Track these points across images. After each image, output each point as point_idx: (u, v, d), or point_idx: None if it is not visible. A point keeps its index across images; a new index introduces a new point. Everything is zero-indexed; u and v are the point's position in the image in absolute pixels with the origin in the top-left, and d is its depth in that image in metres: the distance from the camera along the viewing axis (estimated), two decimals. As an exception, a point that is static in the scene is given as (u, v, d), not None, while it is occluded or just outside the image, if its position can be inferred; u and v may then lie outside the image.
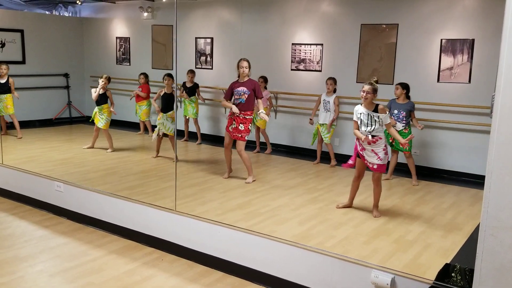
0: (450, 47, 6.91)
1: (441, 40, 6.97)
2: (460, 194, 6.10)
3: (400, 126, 6.31)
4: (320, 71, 8.14)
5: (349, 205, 5.27)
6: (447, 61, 6.95)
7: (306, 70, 8.31)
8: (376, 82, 4.84)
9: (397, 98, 6.42)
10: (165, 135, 7.34)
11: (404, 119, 6.32)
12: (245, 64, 6.04)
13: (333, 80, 7.29)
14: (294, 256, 4.00)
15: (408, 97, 6.41)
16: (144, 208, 4.96)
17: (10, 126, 9.30)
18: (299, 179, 6.51)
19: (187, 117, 8.93)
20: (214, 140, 9.29)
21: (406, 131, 6.33)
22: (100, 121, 7.80)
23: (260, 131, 8.21)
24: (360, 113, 4.84)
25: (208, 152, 8.32)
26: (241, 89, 6.05)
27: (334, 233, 4.44)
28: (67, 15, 11.54)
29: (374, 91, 4.75)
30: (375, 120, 4.76)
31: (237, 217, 4.74)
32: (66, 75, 11.26)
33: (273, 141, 8.62)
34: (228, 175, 6.40)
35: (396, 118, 6.33)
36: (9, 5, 10.51)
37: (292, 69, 8.47)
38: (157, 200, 5.10)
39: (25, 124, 9.46)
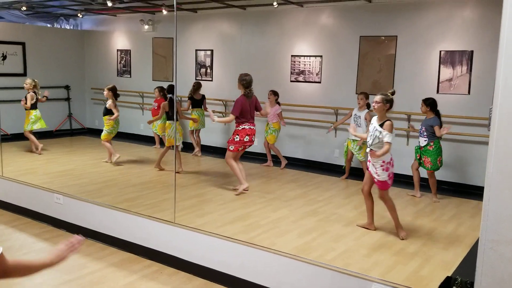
0: (449, 58, 6.94)
1: (440, 51, 7.00)
2: (461, 205, 6.08)
3: (422, 141, 6.07)
4: (320, 82, 8.16)
5: (369, 226, 4.92)
6: (446, 72, 6.98)
7: (305, 81, 8.34)
8: (392, 93, 4.67)
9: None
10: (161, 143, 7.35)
11: (425, 134, 6.05)
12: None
13: (364, 95, 6.86)
14: (294, 269, 3.98)
15: (434, 112, 6.05)
16: (143, 221, 4.95)
17: (10, 138, 9.31)
18: (299, 191, 6.50)
19: (193, 129, 8.90)
20: (214, 151, 9.28)
21: (431, 148, 6.02)
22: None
23: (269, 145, 8.11)
24: (371, 124, 4.73)
25: (207, 164, 8.31)
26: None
27: (334, 245, 4.42)
28: (68, 27, 11.62)
29: (385, 101, 4.57)
30: (376, 135, 4.58)
31: (236, 229, 4.72)
32: (67, 87, 11.30)
33: (272, 152, 8.60)
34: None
35: (419, 133, 6.15)
36: (11, 18, 10.58)
37: (291, 81, 8.49)
38: (156, 212, 5.09)
39: (23, 136, 9.45)
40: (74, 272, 4.48)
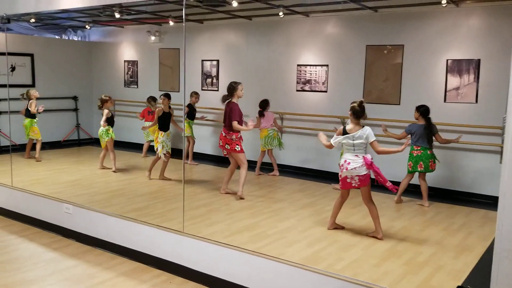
0: (456, 67, 6.95)
1: (447, 60, 7.01)
2: (470, 215, 6.05)
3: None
4: (326, 91, 8.19)
5: (377, 234, 5.01)
6: (454, 81, 6.98)
7: (311, 91, 8.36)
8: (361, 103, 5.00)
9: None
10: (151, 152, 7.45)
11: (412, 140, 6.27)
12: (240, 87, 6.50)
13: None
14: (303, 278, 3.97)
15: (425, 119, 6.27)
16: (152, 230, 4.96)
17: (18, 148, 9.38)
18: (306, 200, 6.49)
19: (188, 138, 8.98)
20: (218, 160, 9.29)
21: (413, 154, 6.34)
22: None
23: (268, 153, 8.14)
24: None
25: (213, 173, 8.33)
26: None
27: (343, 255, 4.41)
28: (76, 39, 11.74)
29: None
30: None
31: (244, 239, 4.72)
32: (75, 98, 11.39)
33: (279, 161, 8.63)
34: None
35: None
36: (20, 29, 10.71)
37: (297, 90, 8.52)
38: (165, 222, 5.10)
39: (34, 146, 9.52)
40: (84, 282, 4.49)
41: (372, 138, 4.84)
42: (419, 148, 6.28)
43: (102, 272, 4.73)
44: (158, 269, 4.83)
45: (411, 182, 6.54)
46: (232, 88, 6.41)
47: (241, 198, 6.34)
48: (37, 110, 8.85)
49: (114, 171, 7.97)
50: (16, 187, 6.53)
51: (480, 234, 5.22)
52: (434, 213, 6.07)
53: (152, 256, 4.92)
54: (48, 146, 10.61)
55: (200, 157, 9.44)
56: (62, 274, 4.66)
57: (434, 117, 7.09)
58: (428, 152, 6.28)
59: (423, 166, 6.29)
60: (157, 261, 4.88)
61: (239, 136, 6.40)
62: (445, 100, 7.07)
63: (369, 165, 4.82)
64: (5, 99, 8.63)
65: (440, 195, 7.06)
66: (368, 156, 4.87)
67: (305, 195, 6.79)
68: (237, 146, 6.34)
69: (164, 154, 7.37)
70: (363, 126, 4.91)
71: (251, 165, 8.36)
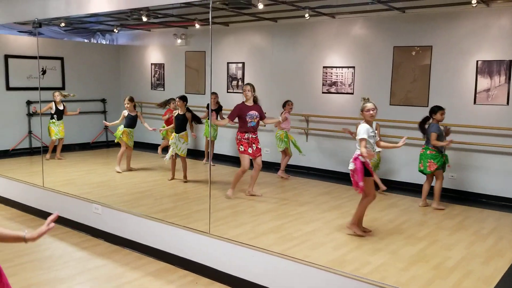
0: (487, 68, 6.80)
1: (477, 61, 6.87)
2: (501, 219, 5.91)
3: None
4: (352, 93, 8.13)
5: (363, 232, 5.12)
6: (484, 82, 6.83)
7: (337, 93, 8.31)
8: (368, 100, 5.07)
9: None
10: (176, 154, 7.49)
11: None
12: (248, 87, 6.51)
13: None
14: (329, 282, 3.94)
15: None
16: (179, 231, 5.01)
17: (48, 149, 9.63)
18: (333, 203, 6.45)
19: (208, 138, 9.01)
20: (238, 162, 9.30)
21: (422, 152, 6.34)
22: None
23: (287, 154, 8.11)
24: (371, 131, 4.95)
25: (232, 174, 8.33)
26: (253, 113, 6.46)
27: (370, 259, 4.36)
28: (104, 43, 11.98)
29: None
30: (373, 136, 4.96)
31: (270, 241, 4.72)
32: (103, 101, 11.62)
33: (304, 164, 8.61)
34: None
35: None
36: (50, 34, 11.01)
37: (323, 92, 8.48)
38: (191, 223, 5.14)
39: (64, 148, 9.76)
40: (112, 281, 4.57)
41: (358, 136, 4.90)
42: (423, 147, 6.38)
43: (129, 272, 4.81)
44: (184, 270, 4.88)
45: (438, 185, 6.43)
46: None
47: (252, 195, 6.60)
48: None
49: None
50: (47, 188, 6.69)
51: (511, 239, 5.09)
52: (464, 217, 5.95)
53: (178, 256, 4.97)
54: (78, 147, 10.86)
55: (223, 159, 9.48)
56: (91, 273, 4.75)
57: (463, 119, 6.99)
58: (428, 152, 6.26)
59: (422, 166, 6.31)
60: (183, 261, 4.93)
61: (246, 136, 6.41)
62: (475, 102, 6.93)
63: (354, 160, 4.91)
64: (37, 102, 8.89)
65: (470, 198, 6.91)
66: (357, 152, 4.90)
67: (331, 198, 6.75)
68: (240, 146, 6.44)
69: (172, 155, 7.44)
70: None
71: (276, 167, 8.37)
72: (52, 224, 2.48)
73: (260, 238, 4.83)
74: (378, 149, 6.35)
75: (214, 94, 8.92)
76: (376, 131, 5.07)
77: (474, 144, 6.93)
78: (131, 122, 8.24)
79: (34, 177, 7.28)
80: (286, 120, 7.79)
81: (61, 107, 9.34)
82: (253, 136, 6.48)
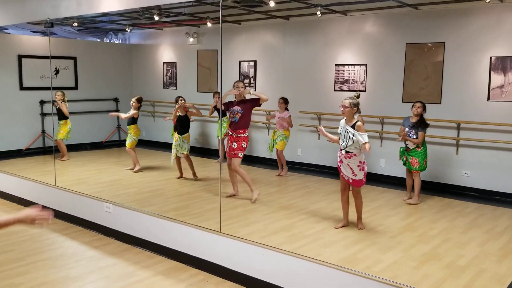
0: (500, 64, 6.69)
1: (491, 57, 6.76)
2: (516, 217, 5.82)
3: (411, 144, 6.26)
4: (364, 91, 8.06)
5: (346, 224, 5.25)
6: (498, 79, 6.73)
7: (350, 90, 8.25)
8: (358, 97, 5.04)
9: (411, 117, 6.32)
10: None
11: (415, 136, 6.19)
12: (240, 84, 6.32)
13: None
14: (341, 280, 3.91)
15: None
16: (190, 230, 5.01)
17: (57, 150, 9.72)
18: (344, 201, 6.40)
19: (218, 138, 8.99)
20: (249, 160, 9.31)
21: (419, 150, 6.22)
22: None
23: (277, 152, 8.05)
24: (340, 127, 5.02)
25: (249, 174, 8.32)
26: (235, 108, 6.24)
27: (382, 257, 4.32)
28: (117, 42, 12.05)
29: (352, 105, 4.88)
30: (349, 137, 4.87)
31: (281, 240, 4.71)
32: (116, 100, 11.69)
33: (316, 162, 8.57)
34: (231, 194, 6.55)
35: (409, 135, 6.25)
36: (63, 33, 11.10)
37: (335, 90, 8.43)
38: (202, 222, 5.15)
39: (76, 147, 9.84)
40: (123, 280, 4.59)
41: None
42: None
43: (140, 271, 4.83)
44: (195, 268, 4.88)
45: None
46: None
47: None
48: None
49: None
50: (59, 187, 6.75)
51: (526, 238, 5.01)
52: (477, 215, 5.87)
53: (189, 255, 4.98)
54: (90, 147, 10.95)
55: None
56: (102, 272, 4.78)
57: (477, 116, 6.89)
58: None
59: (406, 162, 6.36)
60: (194, 260, 4.93)
61: (230, 133, 6.31)
62: (488, 99, 6.82)
63: (361, 168, 5.06)
64: (49, 101, 8.99)
65: (484, 197, 6.82)
66: (358, 159, 5.01)
67: (343, 196, 6.69)
68: (228, 142, 6.38)
69: (177, 155, 7.46)
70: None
71: (288, 165, 8.35)
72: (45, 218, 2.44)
73: (271, 236, 4.81)
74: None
75: (217, 93, 8.91)
76: (349, 128, 4.91)
77: (488, 141, 6.83)
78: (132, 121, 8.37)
79: (46, 176, 7.35)
80: (273, 118, 7.90)
81: (63, 108, 9.04)
82: (234, 133, 6.21)
